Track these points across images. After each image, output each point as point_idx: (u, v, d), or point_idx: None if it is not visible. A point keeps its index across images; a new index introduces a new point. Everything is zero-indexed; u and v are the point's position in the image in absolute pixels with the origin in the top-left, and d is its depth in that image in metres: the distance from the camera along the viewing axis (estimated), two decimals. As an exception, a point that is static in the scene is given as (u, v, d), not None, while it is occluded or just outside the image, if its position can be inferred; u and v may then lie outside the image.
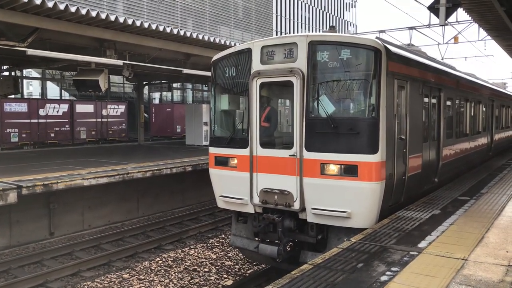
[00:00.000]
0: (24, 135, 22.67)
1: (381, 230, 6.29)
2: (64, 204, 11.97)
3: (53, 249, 10.53)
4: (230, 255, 10.46)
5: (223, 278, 9.06)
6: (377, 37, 7.69)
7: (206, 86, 34.02)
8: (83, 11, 11.53)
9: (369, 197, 6.67)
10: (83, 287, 8.59)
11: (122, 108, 28.47)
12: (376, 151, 6.60)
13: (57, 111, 24.50)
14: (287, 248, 7.86)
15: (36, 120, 23.25)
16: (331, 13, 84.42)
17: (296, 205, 7.18)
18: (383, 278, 4.48)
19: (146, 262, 9.89)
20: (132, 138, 27.69)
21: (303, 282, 4.41)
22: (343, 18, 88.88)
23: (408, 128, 7.77)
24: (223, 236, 12.05)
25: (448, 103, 10.52)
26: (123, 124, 28.50)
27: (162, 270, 9.40)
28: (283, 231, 7.33)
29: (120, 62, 14.16)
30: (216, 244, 11.30)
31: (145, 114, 28.46)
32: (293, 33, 69.93)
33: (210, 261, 9.99)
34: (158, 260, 10.01)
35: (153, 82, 25.32)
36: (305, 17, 76.86)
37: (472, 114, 12.89)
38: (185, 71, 16.66)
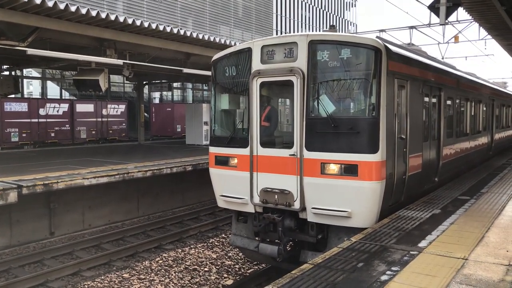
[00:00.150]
0: (24, 135, 22.67)
1: (381, 229, 6.29)
2: (65, 203, 11.97)
3: (54, 248, 10.54)
4: (230, 254, 10.47)
5: (223, 277, 9.07)
6: (377, 37, 7.69)
7: (206, 85, 33.99)
8: (83, 11, 11.52)
9: (369, 197, 6.66)
10: (84, 286, 8.59)
11: (122, 107, 28.46)
12: (376, 150, 6.59)
13: (57, 111, 24.49)
14: (287, 247, 7.86)
15: (36, 120, 23.24)
16: (331, 12, 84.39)
17: (296, 205, 7.17)
18: (384, 277, 4.48)
19: (146, 262, 9.90)
20: (132, 138, 27.68)
21: (303, 281, 4.41)
22: (343, 18, 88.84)
23: (408, 127, 7.77)
24: (223, 235, 12.05)
25: (449, 102, 10.52)
26: (123, 124, 28.49)
27: (163, 270, 9.40)
28: (283, 230, 7.32)
29: (120, 62, 14.16)
30: (216, 243, 11.30)
31: (145, 114, 28.47)
32: (293, 32, 69.95)
33: (211, 261, 9.99)
34: (159, 260, 10.02)
35: (153, 81, 25.33)
36: (305, 16, 76.84)
37: (473, 114, 12.89)
38: (185, 70, 16.67)
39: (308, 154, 7.01)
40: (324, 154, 6.87)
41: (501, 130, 18.18)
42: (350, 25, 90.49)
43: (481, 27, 15.21)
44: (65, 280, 9.01)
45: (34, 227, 11.37)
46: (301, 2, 75.21)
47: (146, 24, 13.33)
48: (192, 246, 11.06)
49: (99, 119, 26.82)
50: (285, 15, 71.33)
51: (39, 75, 30.79)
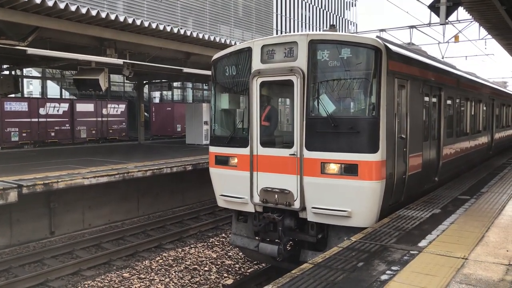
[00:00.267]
0: (24, 134, 22.66)
1: (381, 229, 6.29)
2: (65, 203, 11.98)
3: (54, 248, 10.55)
4: (230, 254, 10.47)
5: (223, 277, 9.07)
6: (377, 36, 7.69)
7: (207, 85, 33.99)
8: (83, 10, 11.52)
9: (369, 196, 6.66)
10: (84, 286, 8.60)
11: (122, 107, 28.46)
12: (377, 150, 6.59)
13: (57, 110, 24.48)
14: (287, 247, 7.86)
15: (36, 119, 23.24)
16: (331, 12, 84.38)
17: (297, 204, 7.17)
18: (384, 277, 4.48)
19: (146, 261, 9.90)
20: (133, 137, 27.68)
21: (303, 281, 4.41)
22: (344, 17, 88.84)
23: (408, 127, 7.77)
24: (223, 235, 12.06)
25: (449, 102, 10.52)
26: (123, 123, 28.49)
27: (163, 269, 9.40)
28: (283, 230, 7.33)
29: (120, 61, 14.16)
30: (216, 243, 11.31)
31: (145, 113, 28.46)
32: (294, 32, 69.97)
33: (211, 260, 9.99)
34: (159, 259, 10.02)
35: (154, 81, 25.32)
36: (305, 16, 76.83)
37: (473, 113, 12.88)
38: (186, 70, 16.66)
39: (308, 154, 7.01)
40: (324, 154, 6.87)
41: (501, 130, 18.18)
42: (350, 24, 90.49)
43: (481, 27, 15.21)
44: (65, 279, 9.01)
45: (34, 227, 11.37)
46: (301, 1, 75.22)
47: (146, 24, 13.33)
48: (192, 246, 11.06)
49: (99, 119, 26.82)
50: (285, 14, 71.33)
51: (39, 75, 30.76)
